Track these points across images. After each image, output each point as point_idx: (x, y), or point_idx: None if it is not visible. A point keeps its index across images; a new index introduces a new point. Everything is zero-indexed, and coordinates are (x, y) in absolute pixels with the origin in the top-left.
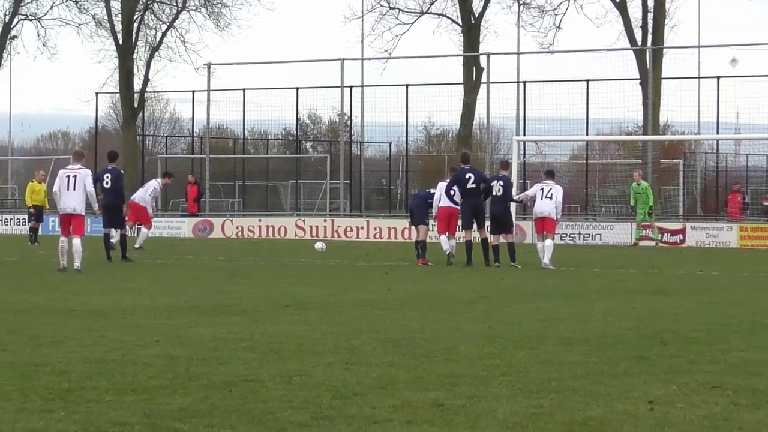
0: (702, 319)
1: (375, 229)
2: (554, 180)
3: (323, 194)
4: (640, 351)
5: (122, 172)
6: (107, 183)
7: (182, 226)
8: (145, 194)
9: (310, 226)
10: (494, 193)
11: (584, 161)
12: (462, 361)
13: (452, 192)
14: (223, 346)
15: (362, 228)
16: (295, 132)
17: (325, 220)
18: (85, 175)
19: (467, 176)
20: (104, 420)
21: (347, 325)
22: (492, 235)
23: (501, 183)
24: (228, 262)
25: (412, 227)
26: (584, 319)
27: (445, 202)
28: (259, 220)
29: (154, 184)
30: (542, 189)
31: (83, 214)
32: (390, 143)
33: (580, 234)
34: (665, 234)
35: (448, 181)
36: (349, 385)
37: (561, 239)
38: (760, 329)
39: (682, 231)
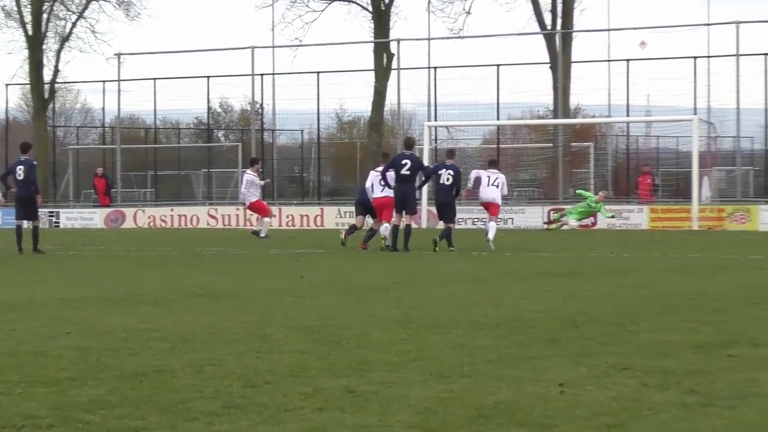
0: (613, 301)
1: (287, 216)
2: (498, 168)
3: (235, 183)
4: (551, 334)
5: (35, 163)
6: (20, 175)
7: (94, 217)
8: (243, 189)
9: (222, 215)
10: (442, 182)
11: (495, 146)
12: (374, 347)
13: (387, 178)
14: (135, 336)
15: (274, 216)
16: (206, 121)
17: (238, 209)
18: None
19: (403, 162)
20: (14, 413)
21: (259, 314)
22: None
23: (450, 172)
24: (140, 252)
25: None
26: (497, 303)
27: (378, 193)
28: (171, 210)
29: (245, 177)
30: (488, 177)
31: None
32: (302, 131)
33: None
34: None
35: (380, 168)
36: (261, 373)
37: (473, 224)
38: (670, 310)
39: (594, 214)
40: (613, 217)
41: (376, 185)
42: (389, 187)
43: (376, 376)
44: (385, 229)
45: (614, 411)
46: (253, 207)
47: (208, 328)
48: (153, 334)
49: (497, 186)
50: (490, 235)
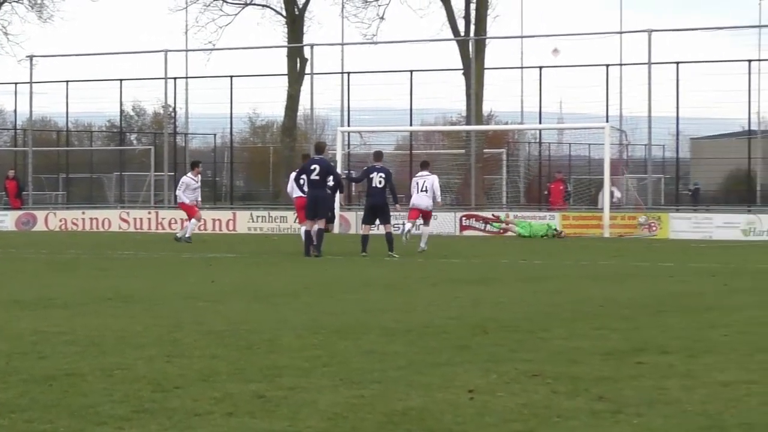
0: (524, 308)
1: (200, 221)
2: (429, 170)
3: (148, 186)
4: (462, 340)
5: None
6: None
7: (5, 219)
8: (178, 191)
9: (135, 219)
10: (374, 185)
11: (408, 151)
12: (284, 352)
13: (301, 182)
14: (45, 339)
15: (187, 220)
16: (119, 124)
17: (150, 213)
18: None
19: (312, 167)
20: None
21: (170, 318)
22: (364, 225)
23: (382, 174)
24: (51, 256)
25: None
26: (408, 309)
27: (298, 193)
28: (83, 213)
29: (182, 179)
30: (417, 183)
31: None
32: (215, 135)
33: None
34: (489, 224)
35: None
36: (171, 378)
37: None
38: (580, 317)
39: (507, 221)
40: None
41: (295, 187)
42: (302, 192)
43: (286, 382)
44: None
45: (524, 417)
46: (182, 207)
47: (119, 331)
48: (63, 338)
49: (425, 191)
50: (423, 243)
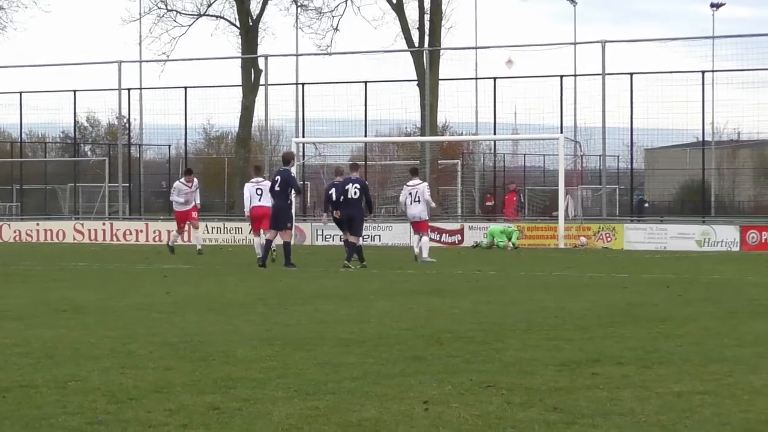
0: (478, 319)
1: (154, 232)
2: (418, 177)
3: (102, 197)
4: (416, 351)
5: None
6: None
7: None
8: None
9: (89, 230)
10: (350, 196)
11: (364, 162)
12: (239, 364)
13: (258, 192)
14: None
15: (141, 231)
16: (73, 135)
17: (104, 224)
18: None
19: (276, 178)
20: None
21: (124, 329)
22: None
23: (357, 186)
24: (4, 267)
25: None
26: (362, 321)
27: (256, 203)
28: (37, 224)
29: (174, 184)
30: (410, 193)
31: None
32: (169, 145)
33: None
34: (444, 234)
35: (255, 179)
36: (125, 389)
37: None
38: (535, 328)
39: (460, 231)
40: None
41: (254, 196)
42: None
43: (240, 393)
44: (257, 244)
45: (478, 428)
46: (175, 215)
47: (73, 343)
48: (16, 350)
49: (419, 201)
50: (425, 254)
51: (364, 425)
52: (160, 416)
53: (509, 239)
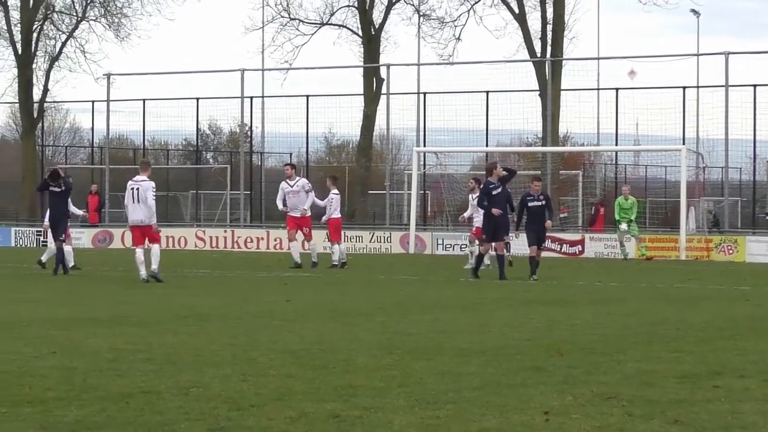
0: (599, 330)
1: (275, 239)
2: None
3: (223, 205)
4: (536, 362)
5: (71, 180)
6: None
7: (82, 237)
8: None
9: (210, 237)
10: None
11: (484, 172)
12: (359, 372)
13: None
14: (121, 357)
15: (262, 239)
16: (195, 142)
17: (225, 231)
18: (147, 187)
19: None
20: None
21: (245, 336)
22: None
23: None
24: (127, 273)
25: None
26: (482, 330)
27: (335, 214)
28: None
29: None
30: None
31: (152, 224)
32: (290, 154)
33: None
34: (564, 245)
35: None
36: (247, 396)
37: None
38: (656, 340)
39: (581, 242)
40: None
41: (337, 206)
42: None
43: (361, 401)
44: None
45: None
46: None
47: (194, 350)
48: (139, 356)
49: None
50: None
51: None
52: (282, 424)
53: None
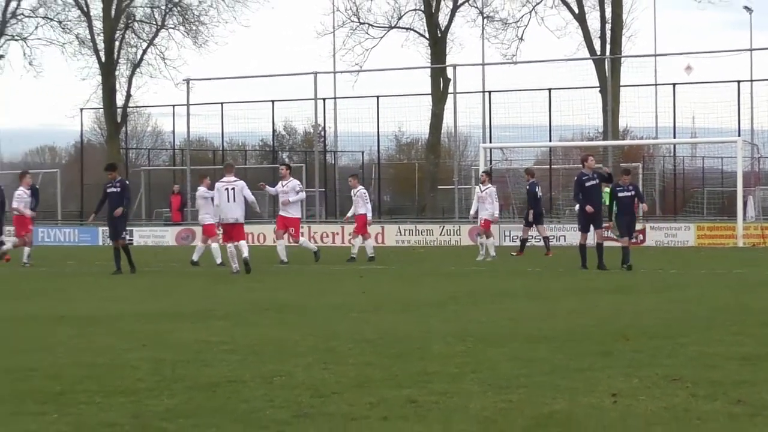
0: (662, 315)
1: (350, 234)
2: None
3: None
4: (603, 346)
5: (127, 183)
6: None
7: (165, 235)
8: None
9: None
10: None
11: (548, 166)
12: (434, 359)
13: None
14: (207, 348)
15: (337, 233)
16: (271, 143)
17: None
18: (242, 186)
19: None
20: (95, 421)
21: (325, 327)
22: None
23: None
24: (209, 269)
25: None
26: (550, 318)
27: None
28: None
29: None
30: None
31: (243, 222)
32: (362, 152)
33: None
34: None
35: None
36: (328, 384)
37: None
38: (716, 324)
39: (642, 231)
40: None
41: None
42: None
43: (437, 387)
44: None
45: (665, 421)
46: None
47: (276, 340)
48: (224, 347)
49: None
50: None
51: (555, 418)
52: (362, 409)
53: None
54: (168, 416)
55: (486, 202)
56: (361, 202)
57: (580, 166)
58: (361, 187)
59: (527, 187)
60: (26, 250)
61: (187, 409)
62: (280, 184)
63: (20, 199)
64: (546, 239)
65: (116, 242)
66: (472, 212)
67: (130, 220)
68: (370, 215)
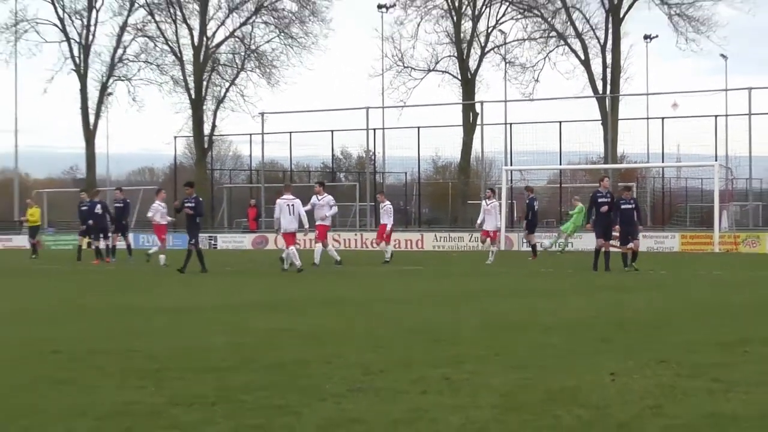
0: (652, 309)
1: (395, 240)
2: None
3: (354, 214)
4: (604, 335)
5: (201, 199)
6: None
7: (244, 240)
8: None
9: (344, 239)
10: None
11: (558, 185)
12: (465, 344)
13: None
14: (277, 335)
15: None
16: (331, 165)
17: (356, 234)
18: (299, 204)
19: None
20: (186, 393)
21: (374, 318)
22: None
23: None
24: (276, 269)
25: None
26: (560, 310)
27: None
28: (305, 235)
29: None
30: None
31: (296, 231)
32: (405, 173)
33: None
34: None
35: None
36: (377, 363)
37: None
38: (698, 317)
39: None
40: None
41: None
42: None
43: (467, 367)
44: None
45: (655, 395)
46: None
47: (334, 328)
48: (290, 333)
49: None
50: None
51: (565, 392)
52: (404, 384)
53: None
54: (246, 389)
55: (491, 214)
56: (386, 215)
57: (584, 185)
58: (388, 202)
59: (527, 201)
60: (162, 257)
61: (262, 383)
62: (314, 197)
63: (155, 210)
64: (534, 246)
65: (190, 246)
66: (478, 223)
67: (215, 228)
68: (389, 226)
